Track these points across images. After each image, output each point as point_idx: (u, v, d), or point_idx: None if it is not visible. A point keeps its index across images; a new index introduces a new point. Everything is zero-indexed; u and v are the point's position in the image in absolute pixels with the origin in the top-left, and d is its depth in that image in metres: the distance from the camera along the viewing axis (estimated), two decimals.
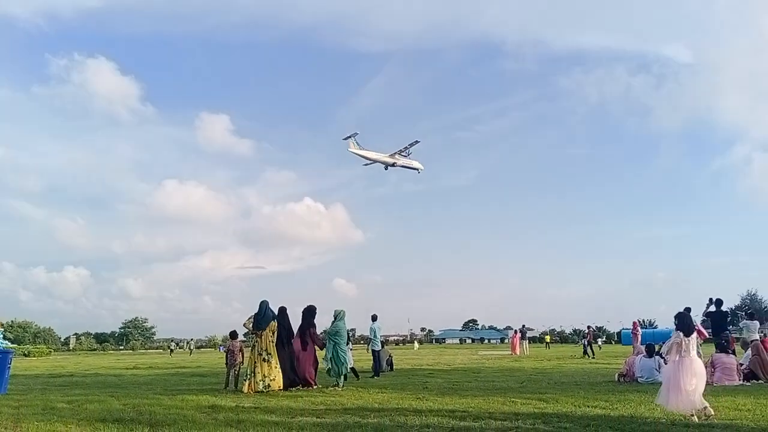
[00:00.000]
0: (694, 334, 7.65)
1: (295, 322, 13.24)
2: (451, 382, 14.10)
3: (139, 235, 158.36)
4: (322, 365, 13.20)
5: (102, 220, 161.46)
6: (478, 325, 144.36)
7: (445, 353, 41.65)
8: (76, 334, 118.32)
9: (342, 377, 12.97)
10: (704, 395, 7.37)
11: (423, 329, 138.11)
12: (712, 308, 14.68)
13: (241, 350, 13.67)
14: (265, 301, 12.77)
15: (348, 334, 15.04)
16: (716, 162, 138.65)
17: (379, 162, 53.47)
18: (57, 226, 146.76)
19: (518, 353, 34.42)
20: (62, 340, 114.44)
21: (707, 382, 12.04)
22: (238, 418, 7.99)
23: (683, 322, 7.77)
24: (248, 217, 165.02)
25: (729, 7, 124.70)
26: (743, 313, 24.21)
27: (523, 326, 38.16)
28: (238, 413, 8.57)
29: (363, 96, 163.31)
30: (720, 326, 14.34)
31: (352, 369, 14.62)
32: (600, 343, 58.05)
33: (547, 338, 68.98)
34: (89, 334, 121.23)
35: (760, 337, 14.69)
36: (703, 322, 14.98)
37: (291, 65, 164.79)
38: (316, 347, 13.26)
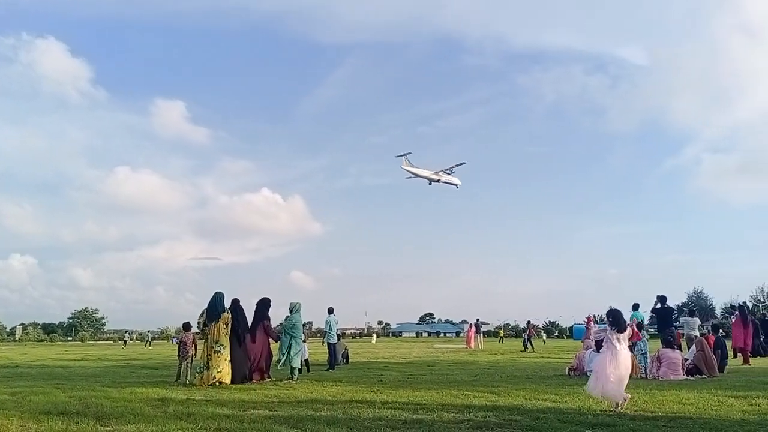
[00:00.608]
0: (627, 331, 8.17)
1: (251, 314, 13.08)
2: (405, 375, 14.18)
3: (90, 223, 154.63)
4: (276, 358, 13.09)
5: (51, 207, 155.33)
6: (434, 318, 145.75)
7: (401, 346, 41.89)
8: (22, 324, 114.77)
9: (296, 370, 12.89)
10: (650, 389, 7.61)
11: (380, 323, 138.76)
12: (659, 305, 15.17)
13: (194, 342, 13.45)
14: (220, 292, 12.58)
15: (308, 327, 14.95)
16: (668, 162, 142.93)
17: (424, 177, 57.29)
18: (3, 212, 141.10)
19: (473, 347, 34.87)
20: (8, 330, 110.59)
21: (654, 376, 12.55)
22: (188, 411, 7.85)
23: (615, 318, 8.27)
24: (204, 207, 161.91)
25: (683, 12, 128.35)
26: (686, 310, 25.07)
27: (478, 320, 38.72)
28: (188, 406, 8.42)
29: (326, 87, 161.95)
30: (665, 322, 14.79)
31: (305, 362, 14.55)
32: (545, 337, 59.54)
33: (501, 332, 69.98)
34: (36, 324, 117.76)
35: (704, 334, 15.26)
36: (651, 318, 15.46)
37: (252, 54, 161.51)
38: (271, 340, 13.14)
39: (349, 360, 19.47)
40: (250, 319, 12.97)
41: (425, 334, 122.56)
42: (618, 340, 7.97)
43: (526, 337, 33.60)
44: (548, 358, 23.27)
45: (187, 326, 14.33)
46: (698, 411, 7.63)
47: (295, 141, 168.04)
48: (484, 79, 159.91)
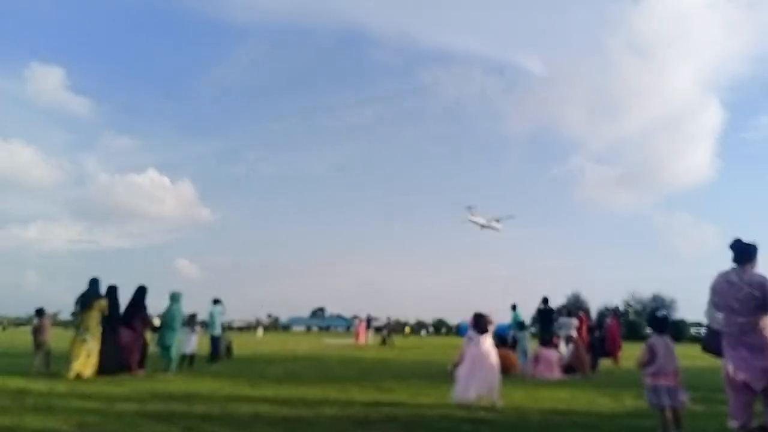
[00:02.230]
0: (488, 333, 8.61)
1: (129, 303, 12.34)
2: (290, 370, 13.89)
3: None
4: (152, 350, 12.41)
5: None
6: (325, 313, 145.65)
7: (289, 341, 41.40)
8: None
9: (173, 363, 12.27)
10: (527, 386, 7.85)
11: (269, 315, 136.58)
12: (542, 306, 15.87)
13: (47, 329, 12.57)
14: (95, 278, 11.77)
15: (193, 318, 14.34)
16: (555, 170, 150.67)
17: (481, 224, 66.09)
18: None
19: (362, 342, 35.03)
20: None
21: (532, 374, 13.07)
22: (49, 404, 7.24)
23: (478, 321, 8.62)
24: (83, 186, 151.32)
25: (580, 28, 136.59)
26: (565, 311, 26.60)
27: (369, 316, 38.96)
28: (50, 399, 7.79)
29: (224, 69, 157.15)
30: (546, 323, 15.49)
31: (189, 356, 13.87)
32: (408, 332, 61.67)
33: (407, 329, 70.75)
34: None
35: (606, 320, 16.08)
36: (533, 318, 16.16)
37: (148, 26, 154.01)
38: (147, 331, 12.43)
39: (233, 354, 18.86)
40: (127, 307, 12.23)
41: (315, 329, 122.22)
42: (479, 342, 8.36)
43: (385, 333, 34.16)
44: (434, 355, 23.74)
45: (40, 312, 13.24)
46: (570, 408, 7.96)
47: (187, 121, 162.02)
48: (387, 76, 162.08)
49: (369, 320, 38.51)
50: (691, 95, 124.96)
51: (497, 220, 67.37)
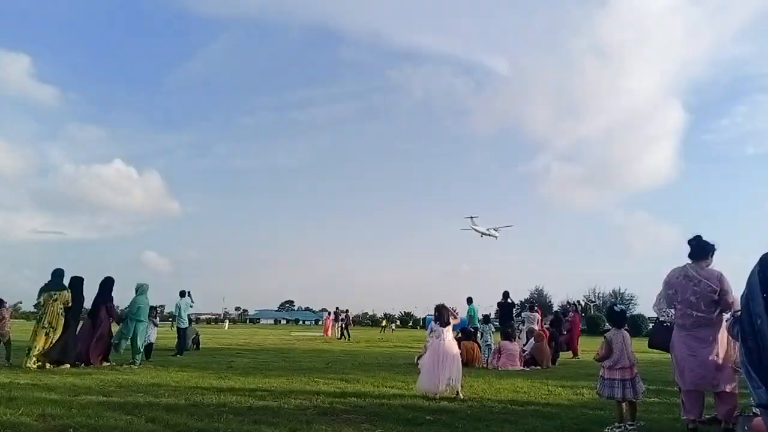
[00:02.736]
0: (450, 326, 8.78)
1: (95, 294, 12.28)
2: (257, 362, 13.92)
3: None
4: (117, 341, 12.31)
5: None
6: (294, 306, 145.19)
7: (257, 333, 41.21)
8: None
9: (139, 355, 12.20)
10: (489, 378, 8.05)
11: (238, 308, 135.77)
12: (503, 300, 16.17)
13: (7, 319, 12.40)
14: (58, 269, 11.64)
15: (157, 310, 14.24)
16: (521, 168, 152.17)
17: (480, 232, 71.71)
18: None
19: (330, 335, 35.10)
20: None
21: (494, 366, 13.34)
22: (10, 396, 7.12)
23: (440, 314, 8.81)
24: (47, 176, 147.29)
25: (544, 29, 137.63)
26: (528, 305, 27.12)
27: (337, 309, 38.99)
28: (11, 390, 7.65)
29: (196, 61, 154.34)
30: (507, 316, 15.79)
31: (149, 346, 13.75)
32: (384, 324, 62.36)
33: (384, 322, 70.63)
34: None
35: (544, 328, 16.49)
36: (497, 312, 16.46)
37: (118, 15, 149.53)
38: (113, 322, 12.34)
39: (200, 346, 18.81)
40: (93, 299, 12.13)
41: (284, 322, 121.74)
42: (441, 334, 8.56)
43: (342, 325, 34.30)
44: (400, 347, 23.95)
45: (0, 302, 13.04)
46: (530, 398, 8.17)
47: (157, 113, 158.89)
48: (358, 73, 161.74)
49: (337, 313, 38.55)
50: (653, 97, 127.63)
51: (495, 229, 73.46)
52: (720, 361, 5.73)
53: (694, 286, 5.86)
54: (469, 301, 17.52)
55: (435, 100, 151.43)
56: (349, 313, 36.55)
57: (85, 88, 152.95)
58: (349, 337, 31.99)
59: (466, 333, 16.44)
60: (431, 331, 8.90)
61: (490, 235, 73.73)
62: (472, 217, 71.08)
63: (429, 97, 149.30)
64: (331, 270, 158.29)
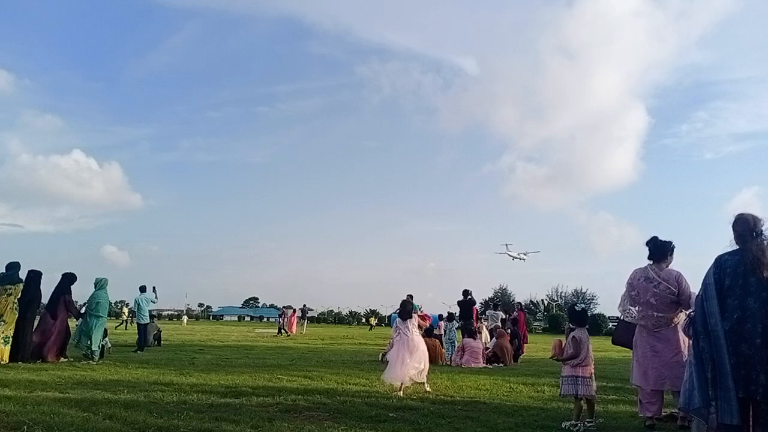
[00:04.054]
0: (412, 319, 8.84)
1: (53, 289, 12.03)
2: (220, 358, 13.76)
3: None
4: (75, 337, 12.04)
5: None
6: (258, 303, 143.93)
7: (220, 330, 40.72)
8: None
9: (97, 351, 11.94)
10: (452, 375, 8.12)
11: (201, 305, 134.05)
12: (462, 298, 16.30)
13: None
14: (12, 262, 11.34)
15: (120, 306, 13.93)
16: (487, 167, 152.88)
17: (512, 256, 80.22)
18: None
19: (294, 332, 34.90)
20: None
21: (457, 363, 13.45)
22: None
23: (404, 308, 9.01)
24: (2, 165, 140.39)
25: (512, 28, 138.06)
26: (492, 304, 27.52)
27: (305, 306, 38.88)
28: None
29: (160, 52, 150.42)
30: (467, 314, 15.94)
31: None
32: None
33: (372, 320, 70.20)
34: None
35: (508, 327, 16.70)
36: (459, 311, 16.59)
37: (79, 1, 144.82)
38: (71, 317, 12.06)
39: (162, 342, 18.51)
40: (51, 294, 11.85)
41: (248, 318, 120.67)
42: (407, 327, 8.69)
43: (282, 321, 34.03)
44: (365, 344, 23.99)
45: None
46: (492, 396, 8.27)
47: (119, 104, 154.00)
48: (326, 68, 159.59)
49: (304, 311, 38.41)
50: (617, 99, 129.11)
51: (525, 254, 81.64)
52: (683, 360, 5.77)
53: (654, 287, 5.98)
54: (410, 298, 17.79)
55: (403, 97, 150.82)
56: (284, 310, 36.14)
57: (41, 75, 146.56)
58: (287, 333, 31.64)
59: (427, 330, 16.56)
60: (396, 327, 8.95)
61: (520, 258, 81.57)
62: (506, 245, 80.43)
63: (397, 94, 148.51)
64: (297, 267, 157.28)
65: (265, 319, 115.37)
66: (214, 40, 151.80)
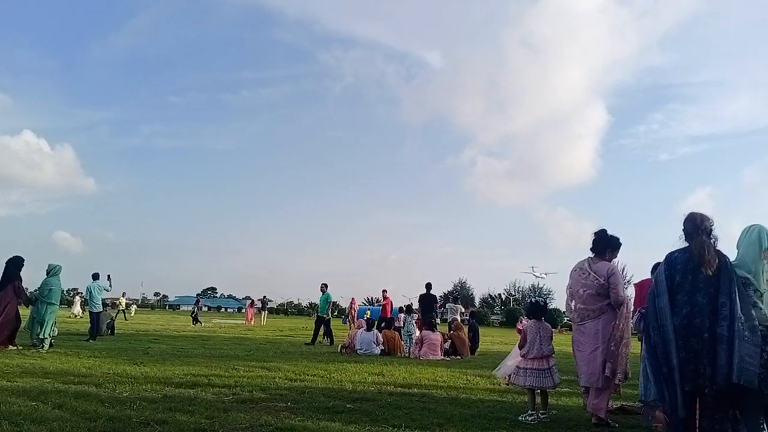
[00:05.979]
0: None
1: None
2: (176, 348, 13.54)
3: None
4: (25, 324, 11.70)
5: None
6: (216, 293, 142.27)
7: (177, 319, 40.07)
8: None
9: (47, 339, 11.62)
10: (410, 366, 8.19)
11: (157, 294, 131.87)
12: (424, 292, 16.46)
13: None
14: None
15: (74, 294, 13.55)
16: (449, 160, 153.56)
17: (536, 275, 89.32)
18: None
19: (253, 323, 34.61)
20: None
21: (416, 355, 13.55)
22: None
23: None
24: None
25: (477, 22, 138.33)
26: (452, 297, 27.80)
27: (264, 297, 38.62)
28: None
29: (122, 35, 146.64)
30: (429, 307, 16.08)
31: None
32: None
33: (366, 316, 69.16)
34: None
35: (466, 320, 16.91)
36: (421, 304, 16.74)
37: None
38: (21, 304, 11.70)
39: (115, 331, 18.10)
40: None
41: (205, 309, 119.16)
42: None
43: (195, 310, 33.86)
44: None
45: None
46: (448, 387, 8.38)
47: (77, 86, 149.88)
48: (292, 56, 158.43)
49: (264, 302, 38.15)
50: (578, 96, 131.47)
51: (545, 273, 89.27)
52: (600, 356, 5.70)
53: (584, 279, 5.92)
54: (323, 288, 18.13)
55: (366, 86, 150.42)
56: (198, 300, 35.53)
57: None
58: (201, 323, 30.79)
59: (387, 323, 16.66)
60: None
61: (541, 277, 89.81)
62: (533, 267, 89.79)
63: (360, 83, 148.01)
64: (259, 257, 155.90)
65: (222, 310, 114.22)
66: (179, 23, 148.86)
